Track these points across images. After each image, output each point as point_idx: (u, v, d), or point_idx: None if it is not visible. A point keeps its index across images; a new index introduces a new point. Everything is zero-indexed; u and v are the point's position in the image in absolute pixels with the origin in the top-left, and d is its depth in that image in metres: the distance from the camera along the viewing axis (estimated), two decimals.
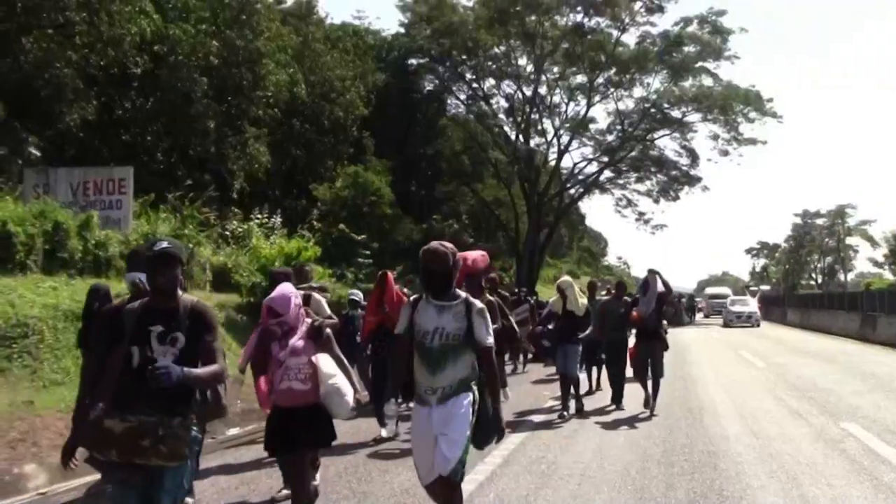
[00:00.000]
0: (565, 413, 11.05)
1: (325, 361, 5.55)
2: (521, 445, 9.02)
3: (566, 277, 11.90)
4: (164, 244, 4.10)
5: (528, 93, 42.14)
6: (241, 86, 24.94)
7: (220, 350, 4.16)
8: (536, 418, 11.22)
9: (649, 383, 11.40)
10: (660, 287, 11.52)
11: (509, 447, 8.80)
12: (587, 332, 11.66)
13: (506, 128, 44.12)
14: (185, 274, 8.63)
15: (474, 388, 4.87)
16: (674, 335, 31.77)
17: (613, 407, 11.92)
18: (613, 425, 10.59)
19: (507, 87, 42.78)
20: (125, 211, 16.37)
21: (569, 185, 45.09)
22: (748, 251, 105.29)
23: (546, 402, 12.88)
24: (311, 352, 5.53)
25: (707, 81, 41.64)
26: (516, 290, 21.61)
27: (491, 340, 4.84)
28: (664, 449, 8.77)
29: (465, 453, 4.74)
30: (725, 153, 43.34)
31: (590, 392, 13.59)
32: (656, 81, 42.29)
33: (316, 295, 8.10)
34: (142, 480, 3.88)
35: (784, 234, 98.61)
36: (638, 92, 42.79)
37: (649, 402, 11.25)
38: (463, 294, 4.97)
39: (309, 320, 5.69)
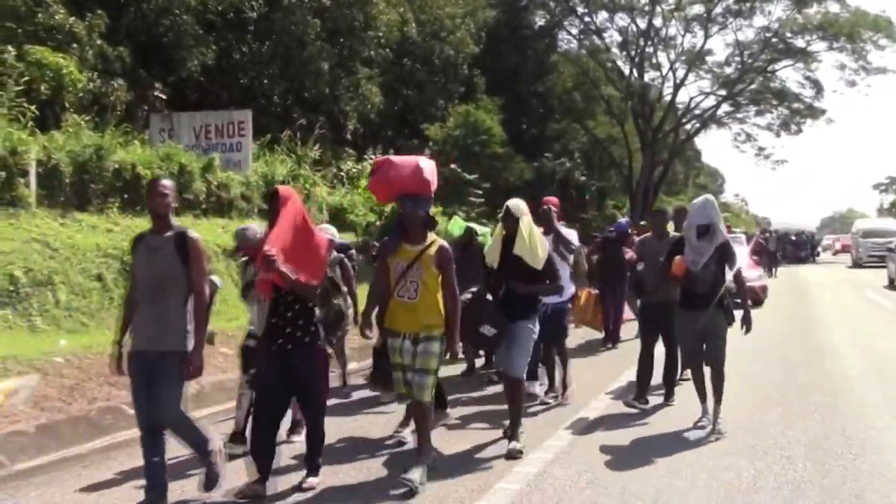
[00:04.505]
0: (517, 450, 6.17)
1: None
2: (629, 386, 8.33)
3: (515, 200, 6.50)
4: None
5: (643, 25, 40.84)
6: (352, 27, 25.21)
7: None
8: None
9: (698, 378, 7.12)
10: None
11: (616, 391, 8.80)
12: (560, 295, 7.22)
13: (619, 62, 42.99)
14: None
15: None
16: (792, 272, 31.02)
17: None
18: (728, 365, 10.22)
19: (621, 19, 41.53)
20: (245, 153, 16.94)
21: (684, 121, 43.76)
22: (876, 186, 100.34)
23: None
24: None
25: (833, 7, 39.16)
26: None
27: None
28: (783, 390, 8.59)
29: None
30: (853, 83, 40.97)
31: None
32: (778, 9, 40.09)
33: None
34: None
35: None
36: (758, 21, 40.83)
37: (712, 420, 6.89)
38: None
39: None
